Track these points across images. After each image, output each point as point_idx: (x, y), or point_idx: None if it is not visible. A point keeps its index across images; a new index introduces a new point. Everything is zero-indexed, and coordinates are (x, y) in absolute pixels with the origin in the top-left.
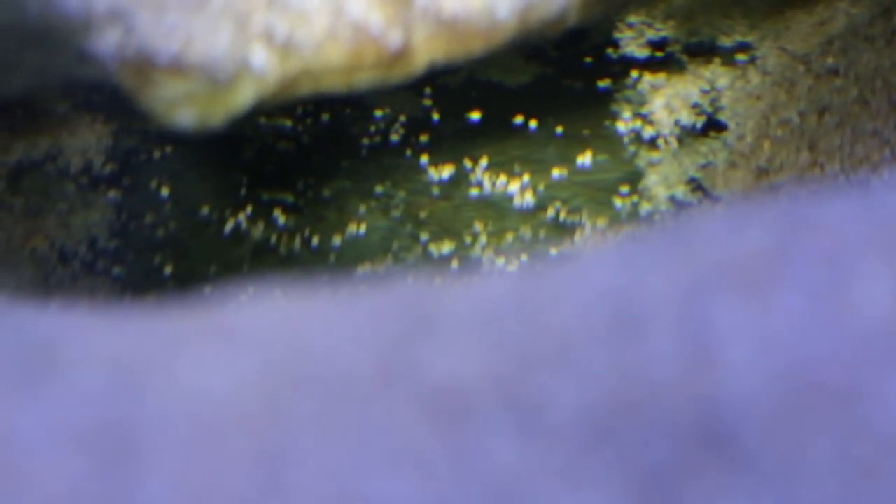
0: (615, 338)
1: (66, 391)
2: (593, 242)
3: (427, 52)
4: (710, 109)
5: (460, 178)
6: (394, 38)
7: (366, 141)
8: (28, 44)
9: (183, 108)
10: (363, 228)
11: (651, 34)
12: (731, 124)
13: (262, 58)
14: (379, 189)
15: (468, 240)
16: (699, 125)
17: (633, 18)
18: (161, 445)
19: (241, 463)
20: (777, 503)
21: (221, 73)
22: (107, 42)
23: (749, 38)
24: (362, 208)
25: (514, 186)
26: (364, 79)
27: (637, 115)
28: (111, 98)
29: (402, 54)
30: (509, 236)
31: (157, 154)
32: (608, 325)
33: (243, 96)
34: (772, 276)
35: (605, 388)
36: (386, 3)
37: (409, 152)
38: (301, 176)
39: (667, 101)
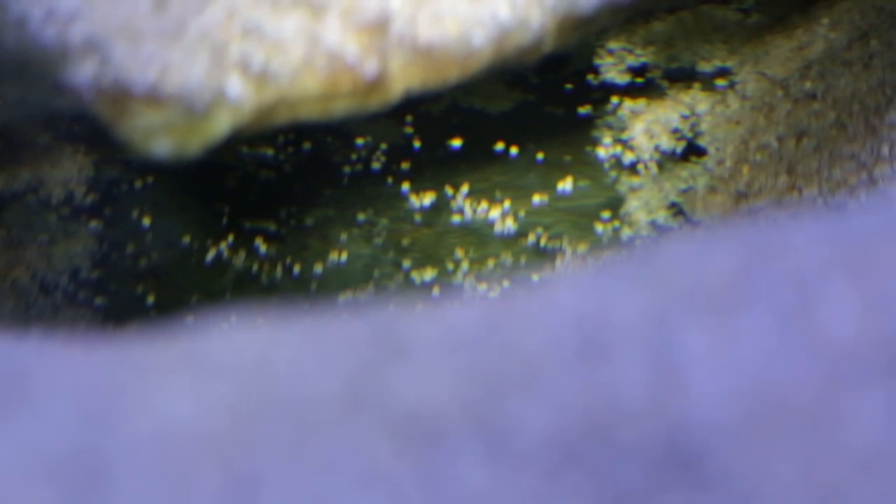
0: (584, 362)
1: (36, 420)
2: (571, 268)
3: (403, 80)
4: (689, 135)
5: (442, 206)
6: (369, 67)
7: (347, 169)
8: (5, 75)
9: (159, 137)
10: (345, 256)
11: (631, 60)
12: (711, 149)
13: (237, 87)
14: (361, 217)
15: (450, 266)
16: (679, 150)
17: (613, 45)
18: (131, 473)
19: (211, 489)
20: None
21: (197, 103)
22: (83, 73)
23: (728, 63)
24: (344, 236)
25: (495, 213)
26: (340, 107)
27: (617, 140)
28: (92, 129)
29: (377, 82)
30: (491, 263)
31: (138, 184)
32: (577, 350)
33: (219, 125)
34: (739, 299)
35: (573, 413)
36: (362, 31)
37: (390, 180)
38: (283, 204)
39: (647, 127)
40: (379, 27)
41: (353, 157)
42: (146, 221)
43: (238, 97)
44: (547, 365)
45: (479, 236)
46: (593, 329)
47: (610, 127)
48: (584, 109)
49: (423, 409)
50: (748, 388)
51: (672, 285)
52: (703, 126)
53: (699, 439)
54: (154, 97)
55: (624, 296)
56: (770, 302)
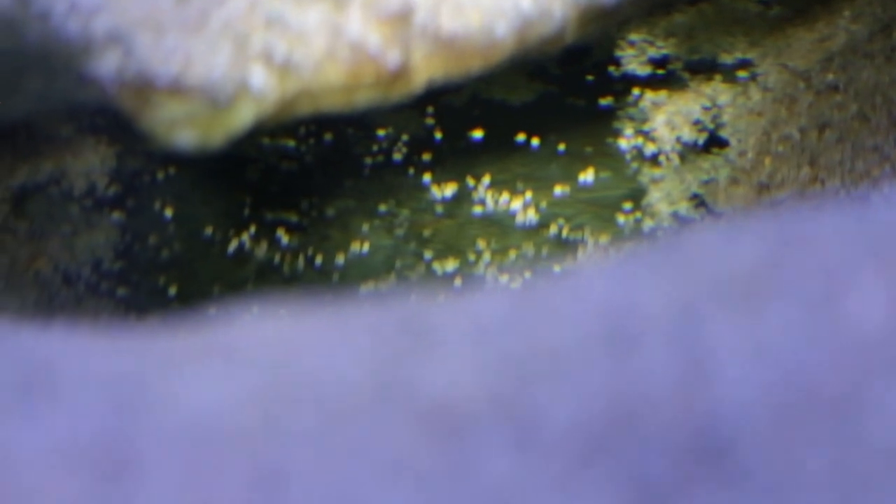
0: (611, 352)
1: (64, 410)
2: (594, 259)
3: (425, 70)
4: (711, 126)
5: (463, 197)
6: (392, 58)
7: (369, 160)
8: (29, 68)
9: (183, 129)
10: (367, 247)
11: (652, 52)
12: (733, 141)
13: (261, 78)
14: (382, 208)
15: (471, 257)
16: (701, 142)
17: (634, 36)
18: (159, 463)
19: (239, 480)
20: None
21: (221, 94)
22: (106, 65)
23: (750, 55)
24: (366, 227)
25: (516, 204)
26: (363, 98)
27: (639, 132)
28: (114, 120)
29: (400, 73)
30: (512, 254)
31: (160, 175)
32: (604, 340)
33: (243, 117)
34: (766, 290)
35: (600, 403)
36: (384, 22)
37: (412, 171)
38: (304, 195)
39: (668, 119)
40: (401, 18)
41: (375, 148)
42: (168, 213)
43: (261, 88)
44: (574, 355)
45: (500, 227)
46: (620, 319)
47: (631, 118)
48: (605, 101)
49: (450, 399)
50: (775, 379)
51: (699, 275)
52: (725, 117)
53: (726, 430)
54: (177, 89)
55: (651, 286)
56: (797, 292)
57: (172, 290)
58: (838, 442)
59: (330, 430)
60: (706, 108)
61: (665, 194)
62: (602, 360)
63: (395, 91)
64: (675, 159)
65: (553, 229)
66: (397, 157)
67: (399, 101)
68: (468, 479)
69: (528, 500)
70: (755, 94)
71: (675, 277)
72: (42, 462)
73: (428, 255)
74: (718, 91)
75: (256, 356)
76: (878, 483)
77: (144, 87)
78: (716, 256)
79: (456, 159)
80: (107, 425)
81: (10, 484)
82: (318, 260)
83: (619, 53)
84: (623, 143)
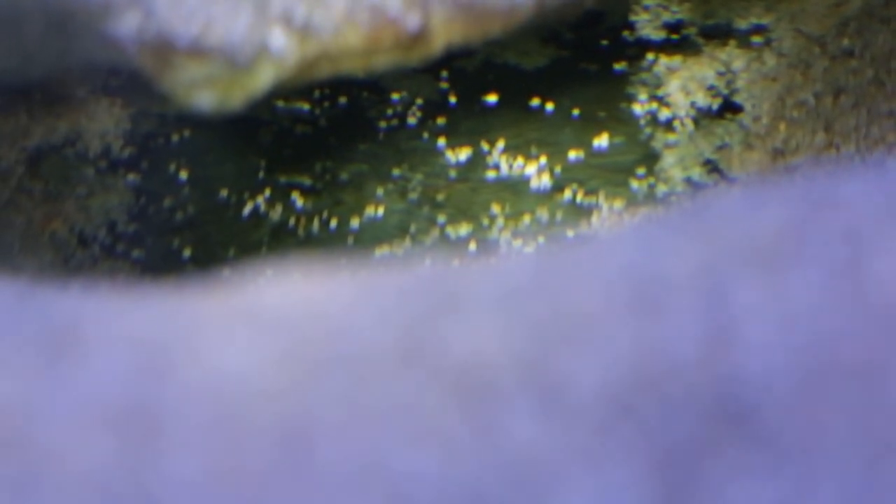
0: (636, 316)
1: (91, 371)
2: (610, 224)
3: (445, 34)
4: (725, 91)
5: (477, 161)
6: (412, 21)
7: (383, 124)
8: (49, 28)
9: (202, 90)
10: (381, 211)
11: (667, 17)
12: (747, 106)
13: (280, 41)
14: (396, 172)
15: (485, 222)
16: (715, 107)
17: (649, 1)
18: (186, 424)
19: (265, 441)
20: (797, 479)
21: (240, 56)
22: (127, 25)
23: (764, 21)
24: (380, 191)
25: (530, 169)
26: (382, 61)
27: (653, 97)
28: (129, 82)
29: (420, 36)
30: (526, 218)
31: (175, 137)
32: (629, 304)
33: (262, 79)
34: (790, 254)
35: (625, 367)
36: None
37: (426, 135)
38: (319, 159)
39: (683, 84)
40: None
41: (389, 112)
42: (183, 175)
43: (281, 51)
44: (599, 319)
45: (514, 192)
46: (645, 283)
47: (645, 83)
48: (619, 66)
49: (475, 363)
50: (800, 343)
51: (723, 240)
52: (739, 83)
53: (750, 394)
54: (197, 50)
55: (676, 251)
56: (822, 257)
57: (187, 252)
58: (862, 405)
59: (356, 393)
60: (720, 74)
61: (678, 159)
62: (627, 325)
63: (415, 54)
64: (689, 124)
65: (567, 194)
66: (411, 121)
67: (418, 64)
68: (493, 442)
69: (553, 463)
70: (770, 60)
71: (699, 242)
72: (70, 422)
73: (441, 219)
74: (733, 56)
75: (283, 318)
76: None
77: (164, 49)
78: (740, 221)
79: (470, 123)
80: (134, 386)
81: (40, 444)
82: (333, 223)
83: (633, 18)
84: (637, 108)
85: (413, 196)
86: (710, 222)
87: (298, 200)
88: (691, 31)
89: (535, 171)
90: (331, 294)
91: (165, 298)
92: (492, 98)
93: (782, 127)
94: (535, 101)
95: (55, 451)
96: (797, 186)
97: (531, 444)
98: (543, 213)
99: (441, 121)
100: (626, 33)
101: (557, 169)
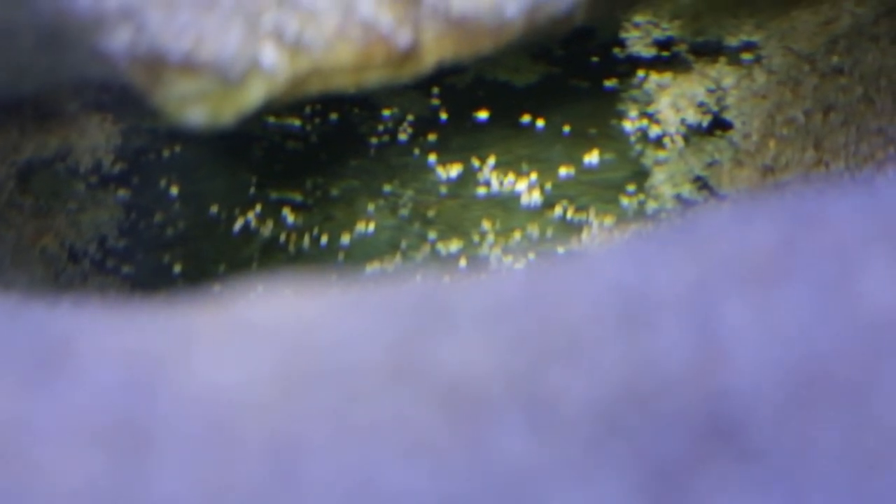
0: (625, 332)
1: (82, 386)
2: (601, 240)
3: (436, 51)
4: (715, 108)
5: (468, 177)
6: (403, 38)
7: (374, 140)
8: (40, 44)
9: (194, 106)
10: (371, 227)
11: (657, 34)
12: (737, 123)
13: (272, 57)
14: (387, 188)
15: (476, 238)
16: (705, 124)
17: (639, 18)
18: (176, 439)
19: (255, 457)
20: (785, 495)
21: (232, 72)
22: (118, 41)
23: (755, 38)
24: (370, 207)
25: (521, 185)
26: (373, 78)
27: (643, 114)
28: (120, 97)
29: (411, 53)
30: (517, 234)
31: (166, 153)
32: (618, 320)
33: (254, 95)
34: (780, 271)
35: (615, 382)
36: (395, 2)
37: (416, 151)
38: (309, 175)
39: (673, 101)
40: None
41: (380, 128)
42: (174, 190)
43: (272, 67)
44: (589, 335)
45: (505, 208)
46: (635, 299)
47: (636, 100)
48: (609, 83)
49: (466, 378)
50: (789, 359)
51: (713, 256)
52: (730, 100)
53: (740, 410)
54: (189, 66)
55: (665, 267)
56: (810, 273)
57: (177, 268)
58: (850, 421)
59: (347, 408)
60: (711, 91)
61: (669, 176)
62: (617, 341)
63: (406, 71)
64: (680, 141)
65: (557, 210)
66: (402, 137)
67: (409, 81)
68: (483, 457)
69: (543, 479)
70: (760, 77)
71: (689, 259)
72: (61, 437)
73: (432, 235)
74: (723, 73)
75: (273, 333)
76: (890, 462)
77: (156, 64)
78: (729, 238)
79: (461, 140)
80: (125, 401)
81: (31, 459)
82: (323, 239)
83: (623, 35)
84: (627, 125)
85: (404, 212)
86: (699, 239)
87: (289, 216)
88: (681, 48)
89: (526, 188)
90: (321, 310)
91: (156, 314)
92: (483, 114)
93: (772, 144)
94: (526, 118)
95: (46, 466)
96: (787, 204)
97: (521, 459)
98: (534, 230)
99: (432, 137)
100: (616, 50)
101: (548, 185)
